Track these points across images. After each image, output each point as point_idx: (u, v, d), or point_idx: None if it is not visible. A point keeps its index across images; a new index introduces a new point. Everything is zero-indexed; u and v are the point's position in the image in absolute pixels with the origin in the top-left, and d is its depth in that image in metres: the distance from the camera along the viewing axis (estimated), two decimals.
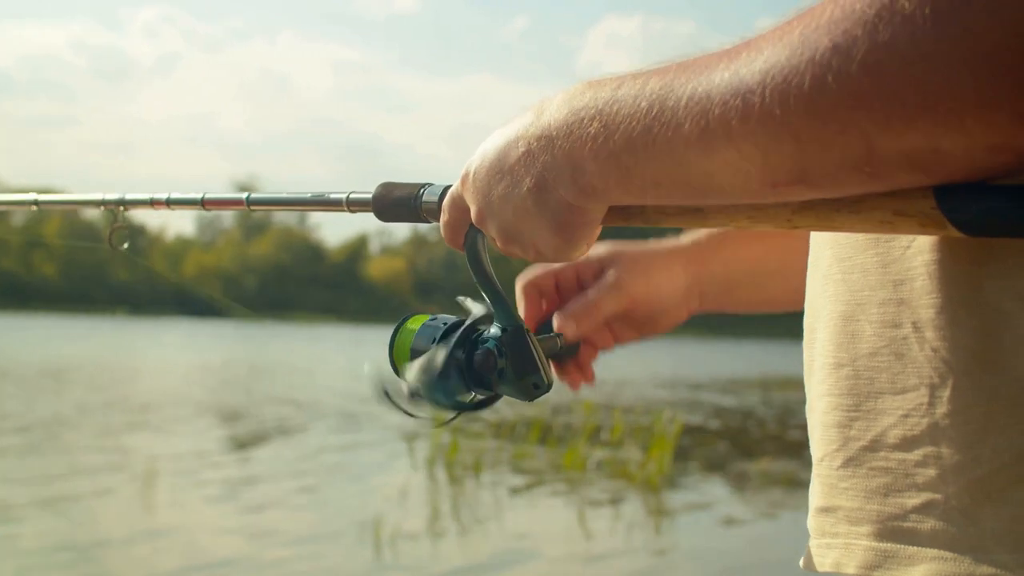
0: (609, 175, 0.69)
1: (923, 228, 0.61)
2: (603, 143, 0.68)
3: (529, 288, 1.11)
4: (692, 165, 0.64)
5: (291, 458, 10.17)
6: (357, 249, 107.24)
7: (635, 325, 1.14)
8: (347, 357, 30.79)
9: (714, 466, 10.80)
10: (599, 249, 1.11)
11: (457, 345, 0.87)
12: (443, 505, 8.11)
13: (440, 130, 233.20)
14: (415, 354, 0.90)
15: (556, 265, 1.10)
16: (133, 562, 5.92)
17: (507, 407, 14.63)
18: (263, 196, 1.10)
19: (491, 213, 0.79)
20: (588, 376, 1.12)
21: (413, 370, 0.86)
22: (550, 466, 10.02)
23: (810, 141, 0.57)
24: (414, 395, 0.85)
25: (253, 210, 1.11)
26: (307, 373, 23.11)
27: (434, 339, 0.89)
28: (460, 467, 9.62)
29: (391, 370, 0.93)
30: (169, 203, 1.20)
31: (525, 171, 0.74)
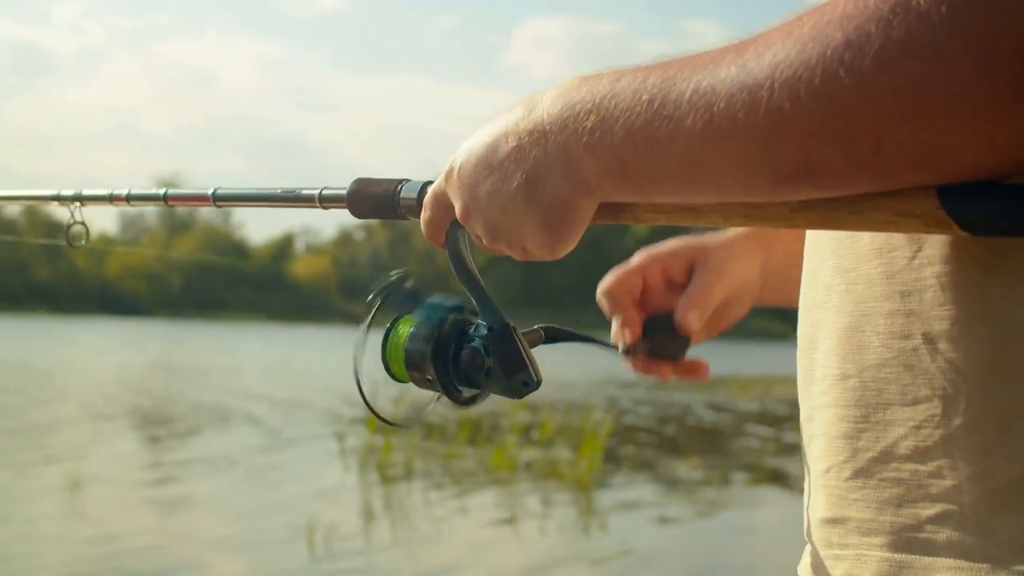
0: (605, 170, 0.69)
1: (927, 228, 0.61)
2: (600, 137, 0.67)
3: (619, 289, 1.09)
4: (694, 160, 0.63)
5: (221, 460, 10.06)
6: (282, 248, 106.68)
7: (717, 319, 1.12)
8: (274, 357, 30.57)
9: (645, 465, 10.85)
10: (677, 243, 1.11)
11: (444, 347, 0.86)
12: (376, 507, 8.10)
13: (366, 129, 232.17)
14: (409, 355, 0.89)
15: (638, 261, 1.10)
16: (59, 570, 5.78)
17: None
18: (230, 191, 1.08)
19: (477, 209, 0.78)
20: (704, 371, 1.11)
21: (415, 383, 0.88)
22: (480, 466, 10.04)
23: (817, 137, 0.57)
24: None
25: (220, 206, 1.08)
26: (234, 373, 22.86)
27: (428, 340, 0.88)
28: (391, 468, 9.59)
29: (384, 372, 0.92)
30: (129, 199, 1.17)
31: (515, 166, 0.74)
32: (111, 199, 1.18)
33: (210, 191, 1.08)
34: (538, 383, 0.86)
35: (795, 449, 11.90)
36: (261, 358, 30.08)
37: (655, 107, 0.64)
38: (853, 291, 0.72)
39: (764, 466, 10.92)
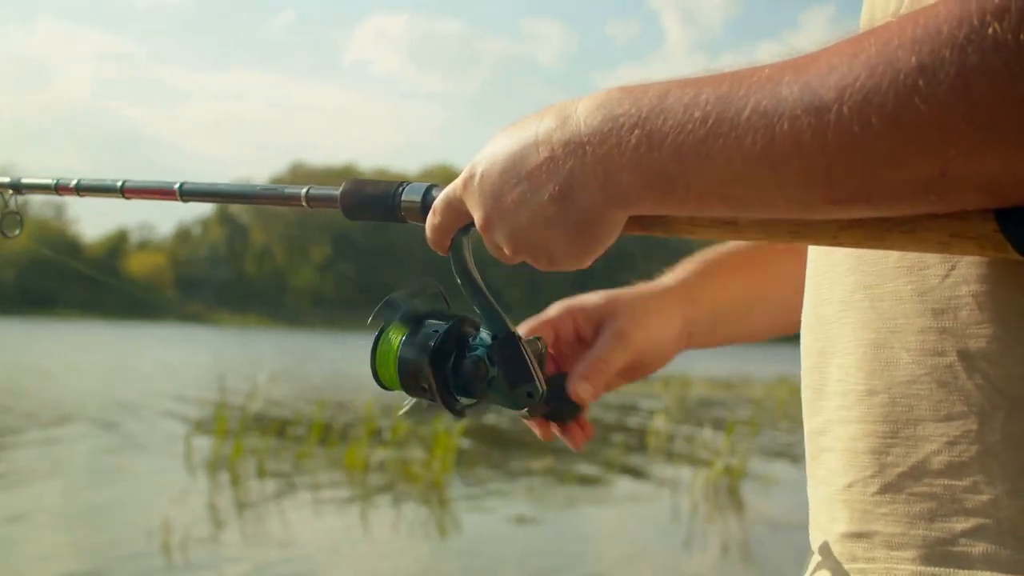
0: (647, 185, 0.68)
1: (981, 250, 0.62)
2: (645, 152, 0.66)
3: None
4: (749, 179, 0.63)
5: (61, 464, 9.72)
6: (117, 243, 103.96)
7: (628, 372, 1.10)
8: (111, 356, 29.65)
9: (499, 465, 10.89)
10: (593, 299, 1.09)
11: (444, 356, 0.85)
12: (227, 509, 7.93)
13: (207, 123, 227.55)
14: (403, 364, 0.87)
15: (553, 313, 1.08)
16: None
17: (281, 407, 14.31)
18: (199, 186, 1.01)
19: (502, 219, 0.76)
20: (589, 432, 1.07)
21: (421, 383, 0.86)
22: (331, 467, 9.93)
23: (884, 161, 0.57)
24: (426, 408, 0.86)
25: (187, 200, 1.01)
26: (70, 373, 22.06)
27: (424, 348, 0.86)
28: (242, 469, 9.41)
29: (373, 381, 0.89)
30: (79, 190, 1.09)
31: (547, 177, 0.72)
32: (56, 189, 1.09)
33: (176, 184, 1.01)
34: (543, 395, 0.84)
35: (642, 446, 12.14)
36: (98, 357, 29.12)
37: (709, 125, 0.63)
38: (879, 307, 0.73)
39: (614, 463, 11.04)
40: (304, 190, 0.93)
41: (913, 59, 0.54)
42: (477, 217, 0.79)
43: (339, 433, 11.58)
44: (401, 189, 0.88)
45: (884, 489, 0.72)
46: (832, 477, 0.78)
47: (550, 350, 1.05)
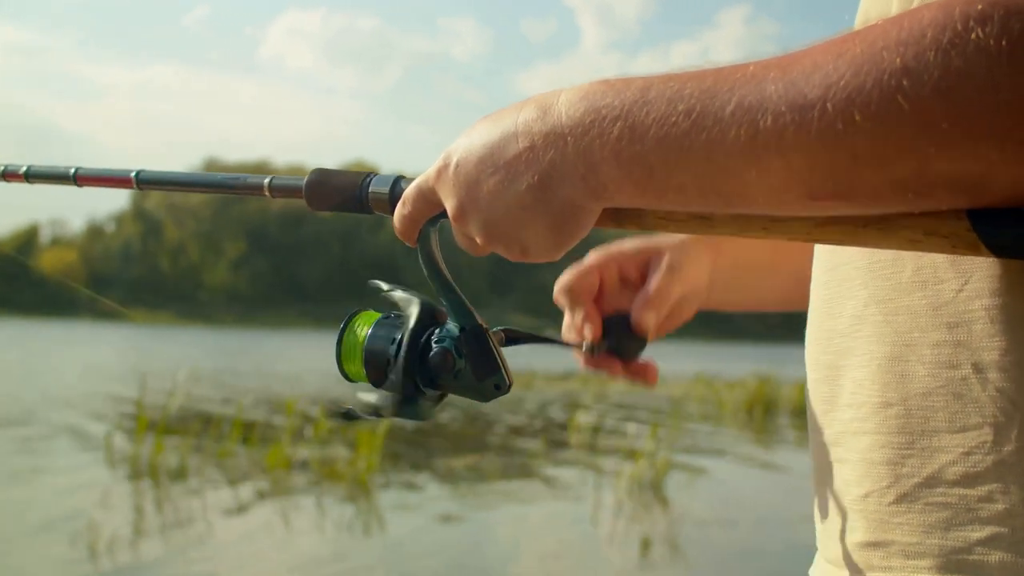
0: (627, 178, 0.68)
1: (952, 248, 0.63)
2: (628, 144, 0.66)
3: (579, 287, 1.09)
4: (730, 173, 0.63)
5: None
6: (27, 239, 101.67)
7: (675, 312, 1.13)
8: (22, 354, 28.99)
9: (424, 463, 10.84)
10: (633, 243, 1.11)
11: (411, 349, 0.84)
12: (147, 510, 7.80)
13: (123, 117, 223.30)
14: (370, 355, 0.86)
15: (596, 259, 1.10)
16: None
17: (200, 405, 14.11)
18: (158, 174, 0.99)
19: (476, 208, 0.75)
20: (654, 373, 1.10)
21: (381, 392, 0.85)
22: (254, 466, 9.80)
23: (866, 158, 0.58)
24: (377, 412, 0.85)
25: (143, 188, 0.99)
26: None
27: (393, 340, 0.85)
28: (163, 469, 9.27)
29: (339, 372, 0.89)
30: (29, 177, 1.06)
31: (526, 167, 0.72)
32: (4, 175, 1.07)
33: (132, 172, 0.99)
34: (509, 386, 0.84)
35: (565, 444, 12.17)
36: (9, 355, 28.42)
37: (693, 118, 0.63)
38: (894, 322, 0.74)
39: (538, 461, 11.05)
40: (267, 180, 0.92)
41: (898, 60, 0.55)
42: (450, 206, 0.78)
43: (261, 432, 11.44)
44: (368, 180, 0.87)
45: (900, 499, 0.73)
46: (847, 487, 0.79)
47: (599, 293, 1.09)
